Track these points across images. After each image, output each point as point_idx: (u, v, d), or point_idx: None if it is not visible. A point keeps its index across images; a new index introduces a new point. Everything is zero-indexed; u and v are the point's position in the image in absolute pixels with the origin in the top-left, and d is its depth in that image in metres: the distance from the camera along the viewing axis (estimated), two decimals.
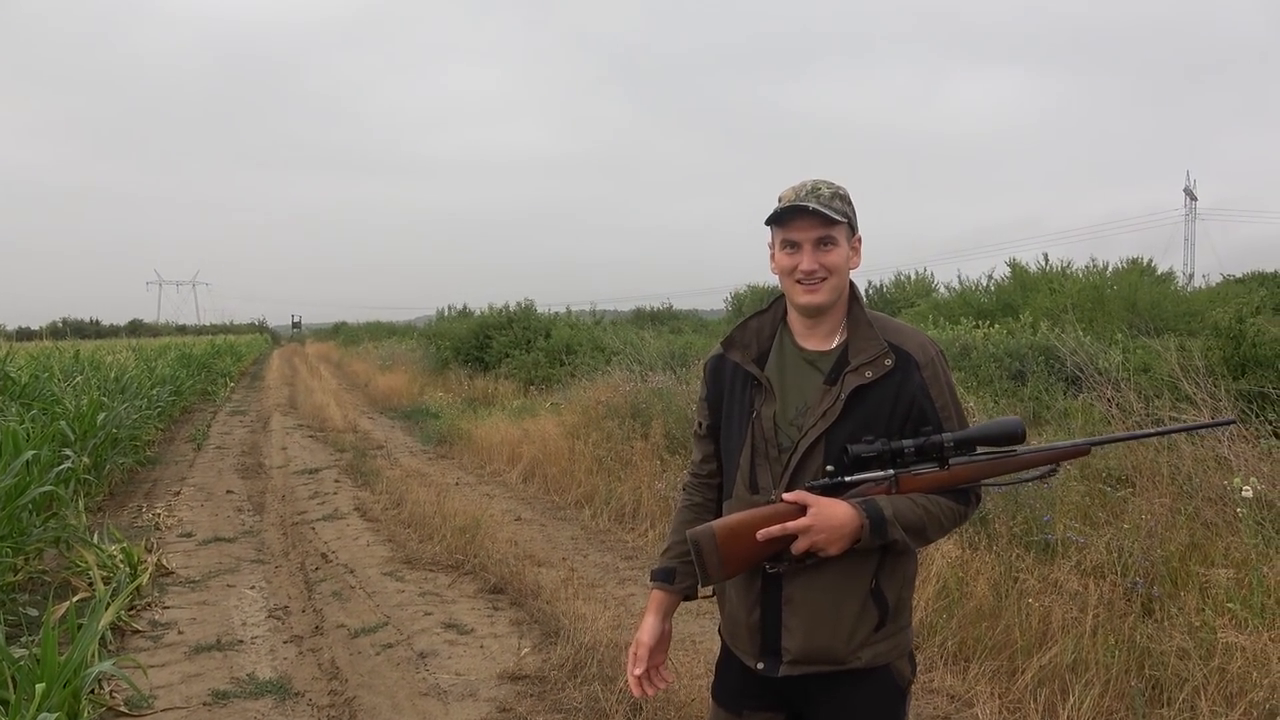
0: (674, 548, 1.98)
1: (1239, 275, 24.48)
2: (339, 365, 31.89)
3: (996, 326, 12.70)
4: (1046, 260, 19.99)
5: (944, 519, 1.79)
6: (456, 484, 8.58)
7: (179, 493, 8.55)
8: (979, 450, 1.80)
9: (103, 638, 4.28)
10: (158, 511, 7.62)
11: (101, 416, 8.16)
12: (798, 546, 1.71)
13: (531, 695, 3.85)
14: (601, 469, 7.81)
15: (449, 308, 33.19)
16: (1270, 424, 5.11)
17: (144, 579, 5.38)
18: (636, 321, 27.75)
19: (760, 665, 1.83)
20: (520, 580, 5.32)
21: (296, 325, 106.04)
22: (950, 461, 1.77)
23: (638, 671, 1.95)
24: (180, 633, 4.74)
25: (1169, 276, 21.76)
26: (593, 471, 7.85)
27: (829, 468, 1.76)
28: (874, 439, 1.75)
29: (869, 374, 1.77)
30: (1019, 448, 1.81)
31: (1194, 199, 49.97)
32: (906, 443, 1.75)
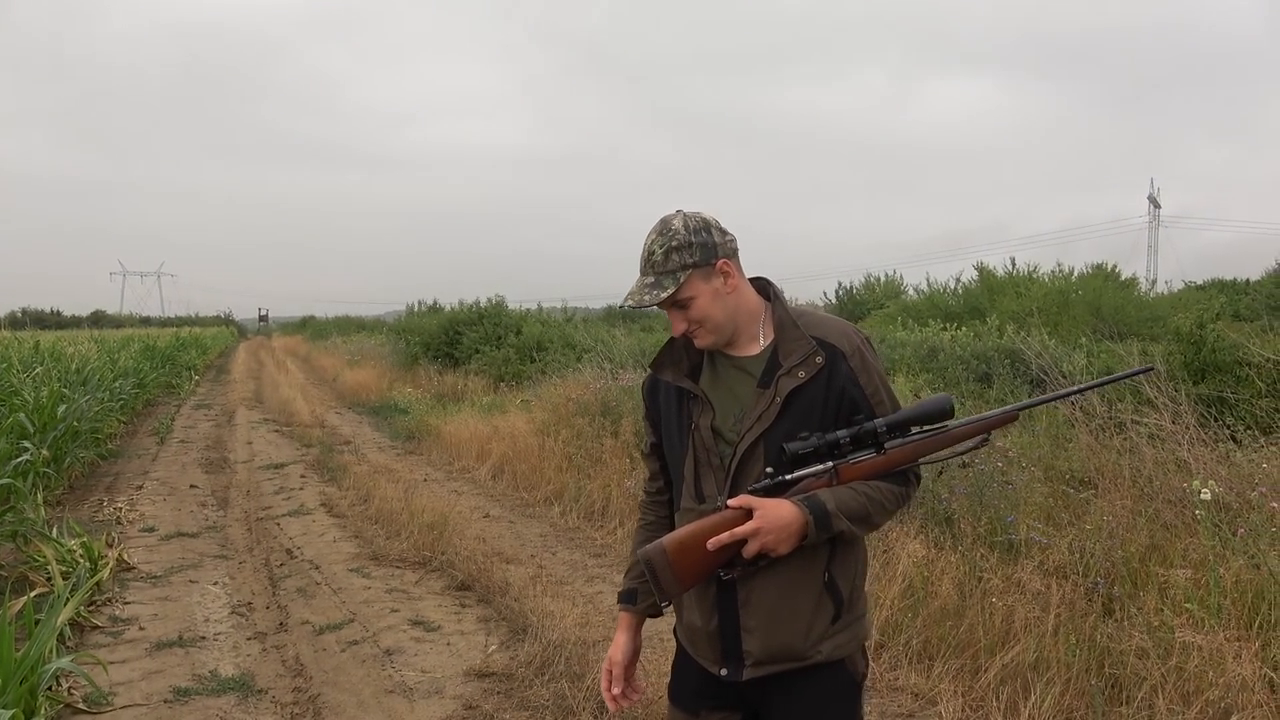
0: (634, 568, 1.99)
1: (1200, 282, 24.96)
2: (306, 359, 31.58)
3: (964, 329, 12.84)
4: (1013, 264, 20.25)
5: (886, 502, 1.81)
6: (425, 480, 8.53)
7: (141, 487, 8.42)
8: (913, 430, 1.83)
9: (61, 634, 4.22)
10: (119, 506, 7.50)
11: (62, 409, 8.02)
12: (748, 550, 1.73)
13: (498, 693, 3.84)
14: (571, 466, 7.80)
15: (419, 303, 32.96)
16: (1228, 428, 5.22)
17: (104, 574, 5.30)
18: (608, 319, 27.74)
19: (724, 671, 1.85)
20: (488, 577, 5.30)
21: (263, 318, 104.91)
22: (886, 445, 1.80)
23: (616, 691, 1.98)
24: (141, 629, 4.68)
25: (1133, 282, 22.12)
26: (562, 469, 7.83)
27: (768, 469, 1.78)
28: (809, 435, 1.76)
29: (802, 374, 1.79)
30: (950, 423, 1.84)
31: (1158, 206, 50.83)
32: (841, 433, 1.77)
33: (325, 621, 4.76)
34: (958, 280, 22.01)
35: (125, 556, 5.83)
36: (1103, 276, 20.12)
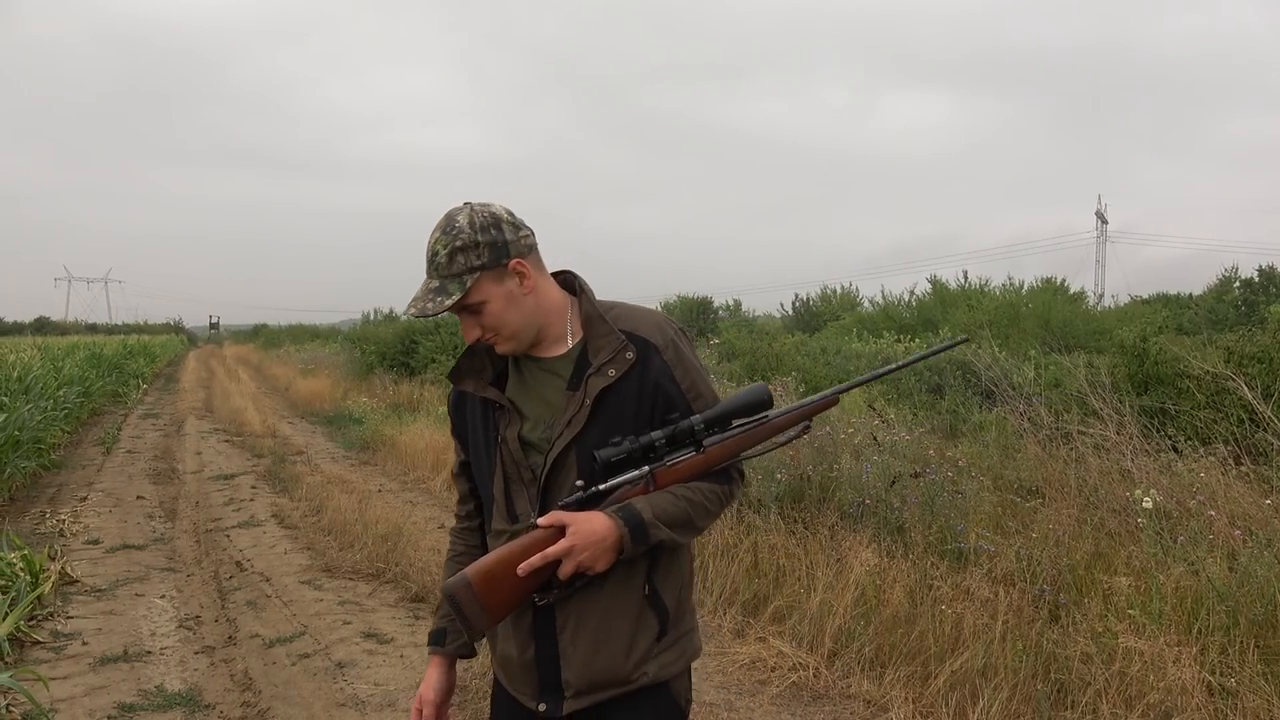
0: (442, 605, 1.82)
1: (1146, 296, 25.62)
2: (258, 368, 31.07)
3: (917, 341, 13.04)
4: (966, 278, 20.64)
5: (709, 504, 1.70)
6: (379, 491, 8.43)
7: (86, 498, 8.22)
8: (734, 424, 1.71)
9: (0, 649, 4.10)
10: (62, 518, 7.31)
11: (2, 418, 7.82)
12: (563, 571, 1.59)
13: (451, 705, 3.80)
14: None
15: (375, 311, 32.64)
16: (1170, 439, 5.36)
17: (46, 588, 5.16)
18: None
19: (541, 707, 1.70)
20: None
21: (214, 326, 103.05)
22: (705, 443, 1.68)
23: None
24: (85, 644, 4.56)
25: (1080, 296, 22.65)
26: None
27: (579, 482, 1.64)
28: (621, 439, 1.63)
29: (612, 372, 1.65)
30: (770, 413, 1.73)
31: (1105, 222, 52.01)
32: (657, 435, 1.64)
33: (276, 635, 4.69)
34: (911, 293, 22.37)
35: (68, 570, 5.69)
36: (1052, 290, 20.58)
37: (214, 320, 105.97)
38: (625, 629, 1.68)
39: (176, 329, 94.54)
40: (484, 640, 1.84)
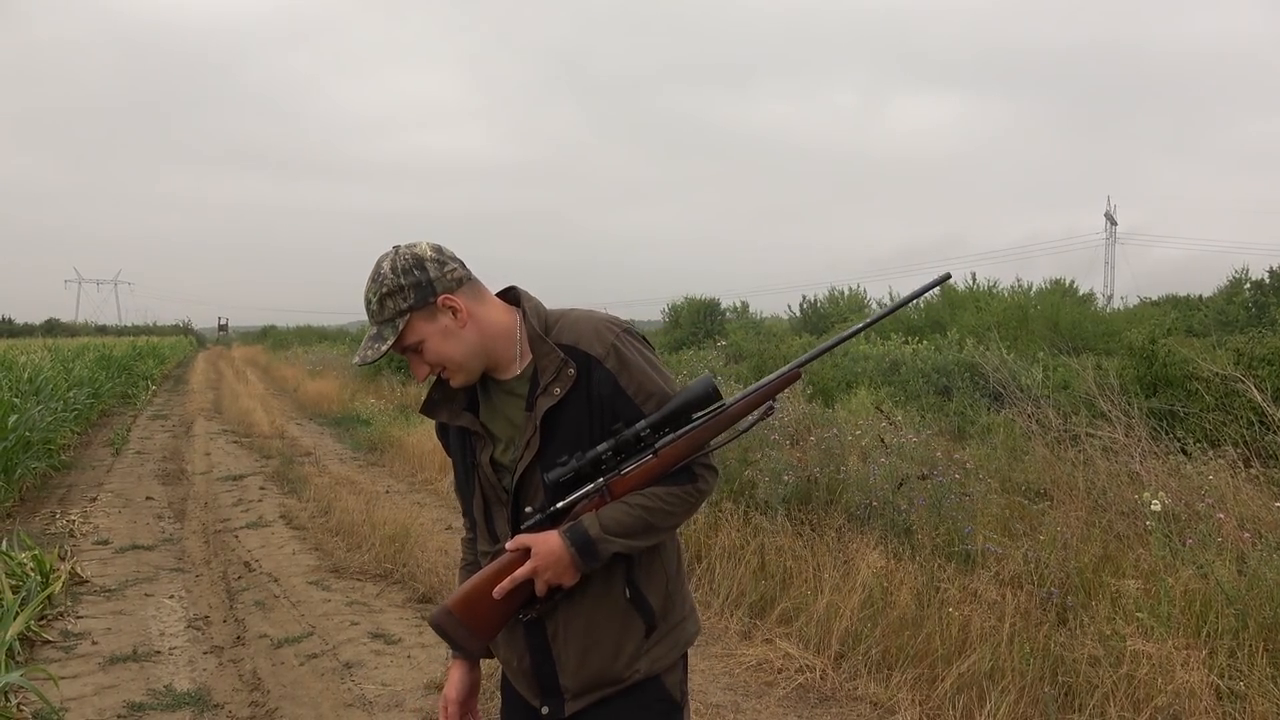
0: None
1: (1155, 298, 25.52)
2: (267, 370, 31.17)
3: (925, 343, 13.02)
4: (974, 279, 20.59)
5: (669, 506, 1.69)
6: (387, 492, 8.46)
7: (95, 499, 8.26)
8: (693, 418, 1.70)
9: (10, 648, 4.12)
10: (72, 518, 7.35)
11: (13, 419, 7.86)
12: (538, 589, 1.65)
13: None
14: None
15: None
16: (1179, 441, 5.34)
17: (56, 588, 5.19)
18: None
19: (546, 709, 1.76)
20: (450, 590, 5.26)
21: (223, 328, 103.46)
22: (656, 445, 1.67)
23: None
24: (94, 643, 4.59)
25: (1089, 297, 22.57)
26: None
27: (528, 509, 1.69)
28: (568, 458, 1.66)
29: (558, 390, 1.67)
30: (727, 400, 1.72)
31: (1114, 223, 51.88)
32: (601, 448, 1.66)
33: (284, 635, 4.71)
34: None
35: (78, 570, 5.72)
36: (1060, 292, 20.52)
37: (222, 322, 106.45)
38: (611, 632, 1.72)
39: (185, 331, 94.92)
40: None
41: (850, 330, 1.91)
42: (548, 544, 1.63)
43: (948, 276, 1.96)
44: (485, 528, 1.78)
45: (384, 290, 1.65)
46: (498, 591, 1.63)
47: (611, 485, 1.67)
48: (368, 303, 1.68)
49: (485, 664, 1.92)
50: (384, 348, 1.66)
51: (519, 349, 1.73)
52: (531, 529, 1.67)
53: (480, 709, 1.94)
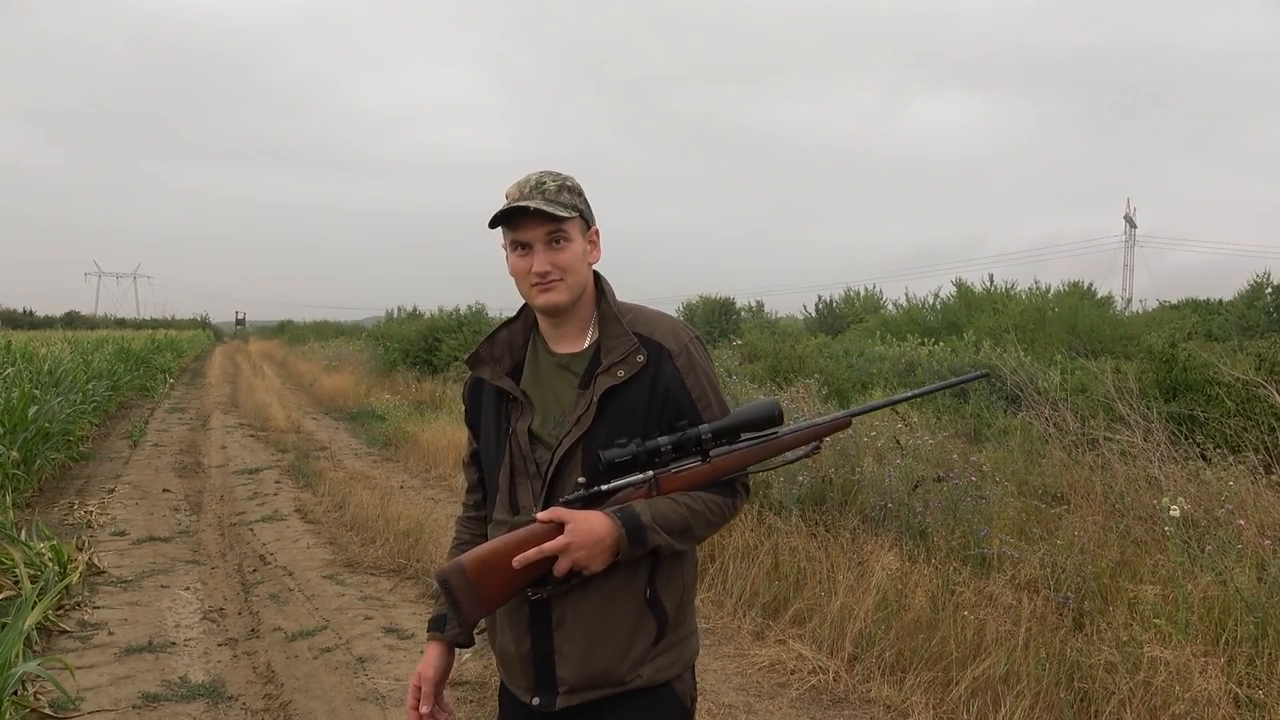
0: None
1: (1175, 301, 25.30)
2: (283, 364, 31.35)
3: (941, 344, 12.95)
4: (991, 281, 20.47)
5: (710, 514, 1.70)
6: (401, 487, 8.48)
7: (113, 490, 8.33)
8: (742, 437, 1.71)
9: (28, 638, 4.16)
10: (90, 509, 7.41)
11: (33, 410, 7.93)
12: (559, 568, 1.59)
13: (471, 701, 3.82)
14: None
15: (398, 309, 32.84)
16: (1198, 446, 5.29)
17: (73, 578, 5.23)
18: None
19: (536, 700, 1.70)
20: None
21: (240, 322, 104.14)
22: (711, 453, 1.68)
23: (424, 710, 1.79)
24: (110, 634, 4.62)
25: (1108, 300, 22.40)
26: None
27: (580, 479, 1.65)
28: (628, 441, 1.64)
29: (621, 373, 1.66)
30: (780, 429, 1.73)
31: (1134, 226, 51.44)
32: (662, 440, 1.65)
33: (298, 628, 4.73)
34: (936, 296, 22.21)
35: (95, 560, 5.76)
36: (1079, 294, 20.36)
37: (240, 316, 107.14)
38: (623, 630, 1.68)
39: (203, 324, 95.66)
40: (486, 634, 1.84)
41: (902, 395, 2.02)
42: (589, 522, 1.59)
43: (985, 374, 1.99)
44: (507, 496, 1.73)
45: (566, 184, 1.70)
46: (519, 560, 1.57)
47: (660, 480, 1.66)
48: (540, 183, 1.68)
49: (484, 671, 1.89)
50: (558, 212, 1.65)
51: (589, 324, 1.75)
52: (569, 504, 1.64)
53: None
